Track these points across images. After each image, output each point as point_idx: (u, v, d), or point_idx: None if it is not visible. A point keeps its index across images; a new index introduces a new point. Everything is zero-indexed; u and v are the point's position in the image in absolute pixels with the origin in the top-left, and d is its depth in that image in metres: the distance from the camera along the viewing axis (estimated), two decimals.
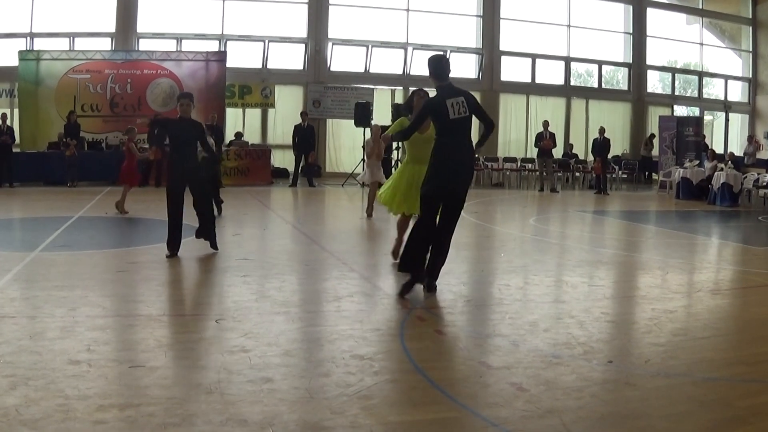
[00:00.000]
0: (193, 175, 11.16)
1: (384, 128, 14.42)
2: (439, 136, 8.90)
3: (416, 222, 9.37)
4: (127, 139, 17.60)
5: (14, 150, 23.31)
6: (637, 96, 35.20)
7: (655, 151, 32.03)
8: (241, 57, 29.21)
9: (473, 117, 8.90)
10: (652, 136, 32.83)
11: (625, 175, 31.04)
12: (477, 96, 31.76)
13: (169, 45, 28.80)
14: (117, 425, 4.60)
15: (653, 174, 32.08)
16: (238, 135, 27.10)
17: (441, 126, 8.85)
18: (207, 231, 11.43)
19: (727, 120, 36.81)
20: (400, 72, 30.66)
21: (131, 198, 16.30)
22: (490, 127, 9.16)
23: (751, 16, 37.40)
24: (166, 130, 11.93)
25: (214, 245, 11.41)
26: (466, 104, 8.79)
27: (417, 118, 9.17)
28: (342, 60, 31.03)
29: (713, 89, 38.36)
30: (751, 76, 37.64)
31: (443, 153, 8.85)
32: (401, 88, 30.90)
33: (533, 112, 33.32)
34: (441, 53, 9.79)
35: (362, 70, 31.24)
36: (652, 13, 35.35)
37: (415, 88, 10.48)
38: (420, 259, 8.95)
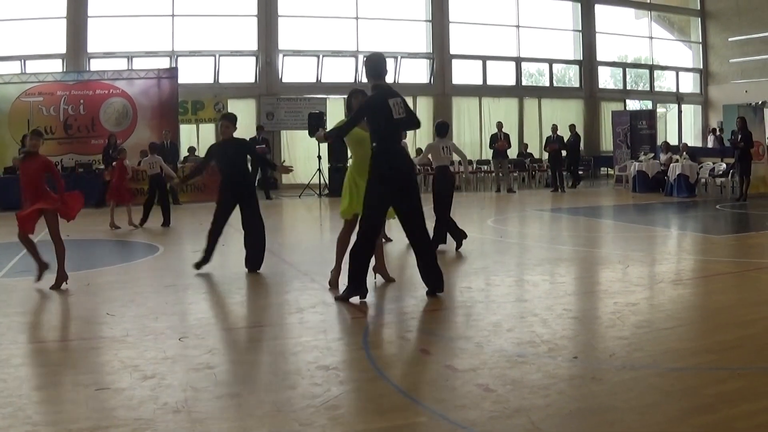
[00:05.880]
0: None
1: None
2: (379, 141, 8.61)
3: (358, 237, 8.77)
4: (120, 159, 17.99)
5: None
6: (589, 92, 35.46)
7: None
8: (193, 73, 29.00)
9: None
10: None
11: (581, 172, 31.27)
12: (429, 100, 31.54)
13: (120, 64, 28.55)
14: None
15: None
16: (191, 150, 26.89)
17: (383, 128, 8.58)
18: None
19: (680, 111, 37.17)
20: (352, 80, 30.55)
21: (95, 218, 16.15)
22: (414, 127, 9.25)
23: (699, 8, 37.86)
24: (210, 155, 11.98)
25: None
26: (403, 105, 8.69)
27: (355, 116, 8.87)
28: (293, 71, 30.95)
29: (665, 82, 38.78)
30: (702, 66, 38.12)
31: (386, 161, 8.58)
32: None
33: (486, 113, 33.36)
34: (378, 52, 9.48)
35: (314, 80, 31.16)
36: (600, 9, 35.65)
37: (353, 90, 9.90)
38: (364, 273, 8.77)
